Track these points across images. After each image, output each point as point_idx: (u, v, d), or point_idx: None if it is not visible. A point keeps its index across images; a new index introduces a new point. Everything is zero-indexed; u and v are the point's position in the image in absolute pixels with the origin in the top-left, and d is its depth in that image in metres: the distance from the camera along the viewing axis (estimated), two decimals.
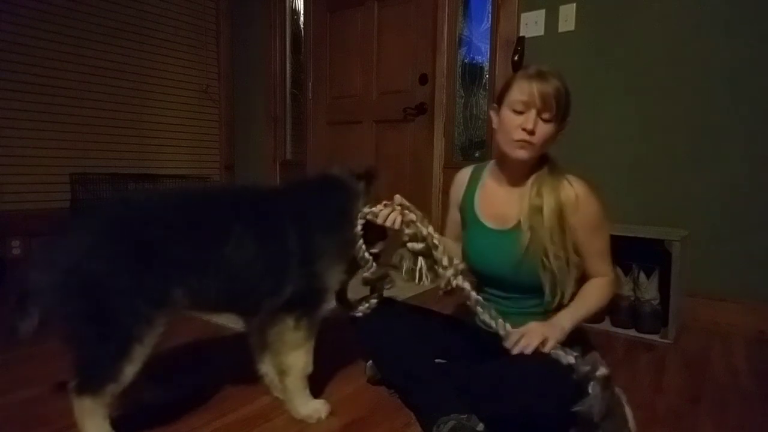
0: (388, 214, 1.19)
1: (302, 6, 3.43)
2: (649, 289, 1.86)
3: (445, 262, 1.16)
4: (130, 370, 0.96)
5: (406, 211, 1.20)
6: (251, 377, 1.36)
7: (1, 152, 2.66)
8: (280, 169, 3.57)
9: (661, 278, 1.85)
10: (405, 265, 1.21)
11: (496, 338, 1.22)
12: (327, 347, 1.60)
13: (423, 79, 2.77)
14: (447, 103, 2.72)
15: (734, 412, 1.26)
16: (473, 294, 1.15)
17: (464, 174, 1.40)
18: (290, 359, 1.15)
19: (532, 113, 1.14)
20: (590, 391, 1.06)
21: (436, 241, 1.17)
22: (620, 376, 1.44)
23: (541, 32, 2.32)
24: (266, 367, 1.29)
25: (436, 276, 1.19)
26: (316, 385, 1.34)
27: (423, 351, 1.25)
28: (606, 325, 1.91)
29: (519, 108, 1.15)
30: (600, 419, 1.05)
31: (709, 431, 1.17)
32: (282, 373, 1.17)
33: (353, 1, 3.06)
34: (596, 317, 1.90)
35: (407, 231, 1.19)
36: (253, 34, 3.59)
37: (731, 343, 1.77)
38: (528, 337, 1.08)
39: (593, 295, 1.24)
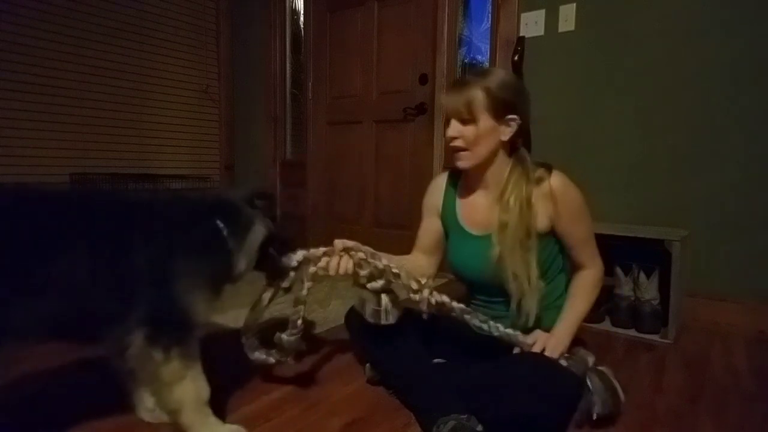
0: (337, 263, 1.16)
1: (302, 6, 3.43)
2: (649, 289, 1.86)
3: (414, 285, 1.13)
4: None
5: (353, 252, 1.16)
6: (251, 377, 1.37)
7: (1, 152, 2.66)
8: (280, 169, 3.58)
9: (661, 278, 1.85)
10: (368, 308, 1.17)
11: (494, 339, 1.22)
12: (327, 347, 1.61)
13: (423, 79, 2.77)
14: None
15: (734, 412, 1.26)
16: (455, 304, 1.16)
17: (440, 181, 1.41)
18: (176, 394, 0.98)
19: (453, 122, 1.21)
20: (589, 385, 1.08)
21: (395, 270, 1.14)
22: (620, 376, 1.43)
23: (541, 32, 2.32)
24: (150, 402, 1.12)
25: (401, 310, 1.17)
26: (316, 386, 1.35)
27: (423, 351, 1.25)
28: (606, 325, 1.91)
29: (446, 120, 1.23)
30: (602, 411, 1.07)
31: (709, 431, 1.17)
32: (174, 412, 1.00)
33: (353, 1, 3.06)
34: (596, 317, 1.91)
35: (363, 273, 1.15)
36: (253, 34, 3.59)
37: (731, 343, 1.77)
38: (542, 344, 1.15)
39: (582, 299, 1.26)
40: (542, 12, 2.31)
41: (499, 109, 1.18)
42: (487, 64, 2.64)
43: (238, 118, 3.77)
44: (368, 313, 1.17)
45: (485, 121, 1.18)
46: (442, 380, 1.16)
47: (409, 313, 1.39)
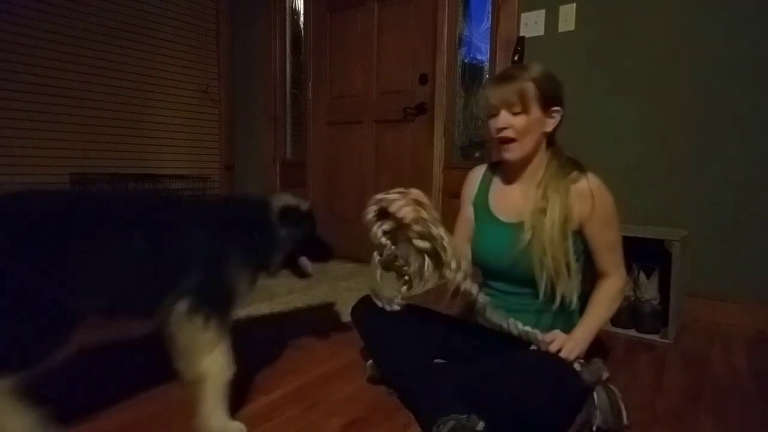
0: (401, 205, 1.17)
1: (302, 6, 3.43)
2: (649, 289, 1.86)
3: (453, 265, 1.16)
4: (51, 359, 0.94)
5: (419, 208, 1.18)
6: (251, 377, 1.37)
7: (1, 152, 2.66)
8: (280, 169, 3.58)
9: (661, 278, 1.85)
10: (412, 264, 1.19)
11: (496, 338, 1.22)
12: (327, 347, 1.61)
13: (423, 79, 2.77)
14: (447, 103, 2.72)
15: (734, 412, 1.26)
16: (480, 297, 1.17)
17: (478, 171, 1.43)
18: (205, 364, 1.08)
19: (502, 113, 1.21)
20: (595, 398, 1.08)
21: (446, 244, 1.16)
22: (620, 376, 1.44)
23: (541, 32, 2.32)
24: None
25: (440, 277, 1.19)
26: (316, 386, 1.35)
27: (423, 351, 1.25)
28: (606, 325, 1.90)
29: (492, 112, 1.23)
30: (601, 426, 1.07)
31: (709, 431, 1.17)
32: (198, 381, 1.08)
33: (353, 1, 3.06)
34: None
35: (416, 228, 1.16)
36: (253, 34, 3.59)
37: (731, 343, 1.77)
38: (559, 343, 1.15)
39: (603, 306, 1.26)
40: (542, 12, 2.31)
41: (547, 100, 1.21)
42: (487, 64, 2.64)
43: (238, 118, 3.77)
44: (411, 270, 1.19)
45: (535, 112, 1.20)
46: (442, 380, 1.16)
47: (410, 313, 1.39)
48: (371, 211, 1.20)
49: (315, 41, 3.31)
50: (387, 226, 1.20)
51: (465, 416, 1.03)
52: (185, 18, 3.45)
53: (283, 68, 3.52)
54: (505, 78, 1.24)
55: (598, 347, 1.29)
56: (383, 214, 1.20)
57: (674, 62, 2.02)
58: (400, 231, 1.20)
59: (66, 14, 2.84)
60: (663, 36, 2.04)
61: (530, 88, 1.19)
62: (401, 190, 1.20)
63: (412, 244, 1.18)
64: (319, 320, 1.86)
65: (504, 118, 1.21)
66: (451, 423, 1.01)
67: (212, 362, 1.08)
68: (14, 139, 2.69)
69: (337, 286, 2.43)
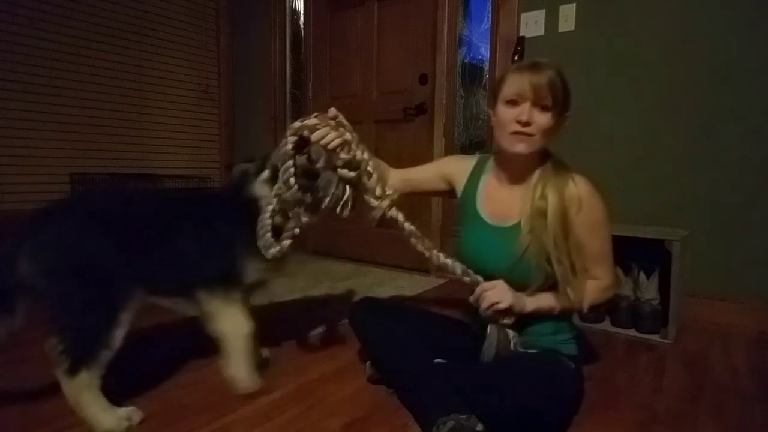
0: (325, 133, 1.10)
1: (302, 6, 3.43)
2: (649, 289, 1.86)
3: (378, 191, 1.11)
4: (119, 334, 1.09)
5: (342, 129, 1.10)
6: None
7: (2, 152, 2.66)
8: None
9: (661, 278, 1.85)
10: (332, 193, 1.12)
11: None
12: (327, 347, 1.61)
13: (423, 79, 2.77)
14: (447, 103, 2.72)
15: (734, 412, 1.26)
16: (407, 225, 1.15)
17: (469, 163, 1.37)
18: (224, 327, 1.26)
19: (526, 105, 1.12)
20: (488, 331, 1.13)
21: (370, 169, 1.12)
22: (620, 376, 1.45)
23: (541, 32, 2.32)
24: None
25: (361, 207, 1.15)
26: (316, 384, 1.35)
27: (423, 351, 1.25)
28: (606, 325, 1.91)
29: (513, 100, 1.14)
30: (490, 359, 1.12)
31: (709, 431, 1.17)
32: (222, 341, 1.26)
33: (353, 1, 3.07)
34: (596, 317, 1.91)
35: (343, 155, 1.10)
36: (253, 34, 3.59)
37: (731, 343, 1.77)
38: (496, 294, 1.13)
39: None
40: (542, 12, 2.31)
41: (568, 100, 1.14)
42: (487, 64, 2.64)
43: (238, 118, 3.77)
44: (330, 198, 1.14)
45: (560, 111, 1.13)
46: (442, 380, 1.16)
47: (410, 313, 1.39)
48: (290, 142, 1.09)
49: (315, 41, 3.31)
50: (300, 161, 1.10)
51: (465, 416, 1.03)
52: (185, 18, 3.46)
53: (283, 68, 3.52)
54: (535, 66, 1.13)
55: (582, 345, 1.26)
56: (301, 145, 1.11)
57: (674, 62, 2.02)
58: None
59: (66, 14, 2.84)
60: (663, 36, 2.04)
61: (559, 83, 1.11)
62: (317, 114, 1.13)
63: (337, 173, 1.12)
64: (319, 320, 1.86)
65: (530, 111, 1.12)
66: (450, 423, 1.01)
67: (225, 324, 1.26)
68: (15, 139, 2.69)
69: (336, 286, 2.43)
